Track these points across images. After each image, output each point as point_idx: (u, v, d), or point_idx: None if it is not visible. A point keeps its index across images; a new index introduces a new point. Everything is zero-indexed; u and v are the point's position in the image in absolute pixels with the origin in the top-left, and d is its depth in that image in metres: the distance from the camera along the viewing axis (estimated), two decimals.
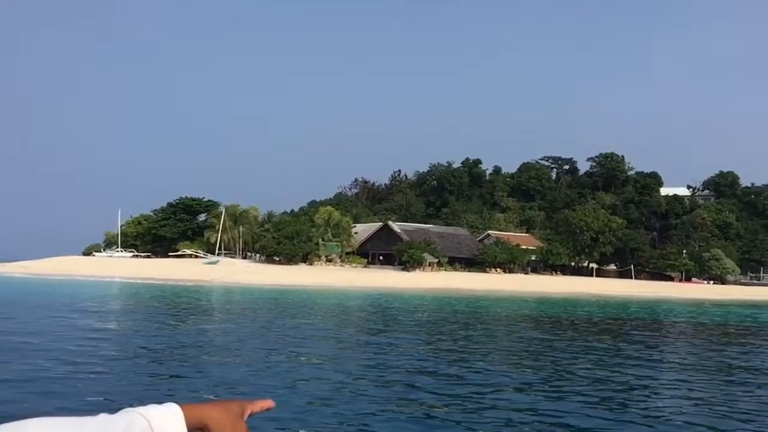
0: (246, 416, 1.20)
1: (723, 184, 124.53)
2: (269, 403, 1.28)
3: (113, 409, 1.07)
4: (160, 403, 1.11)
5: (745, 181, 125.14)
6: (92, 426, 1.02)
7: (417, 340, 21.93)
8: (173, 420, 1.08)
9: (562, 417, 10.96)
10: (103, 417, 1.05)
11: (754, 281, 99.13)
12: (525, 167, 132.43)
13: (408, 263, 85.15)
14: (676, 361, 19.38)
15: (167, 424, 1.07)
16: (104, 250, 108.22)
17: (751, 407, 12.40)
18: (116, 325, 24.43)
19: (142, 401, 1.12)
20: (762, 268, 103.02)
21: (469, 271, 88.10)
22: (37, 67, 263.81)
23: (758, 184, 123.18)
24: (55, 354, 15.60)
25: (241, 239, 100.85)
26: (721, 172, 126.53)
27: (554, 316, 36.03)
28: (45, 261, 78.85)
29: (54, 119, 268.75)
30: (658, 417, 11.42)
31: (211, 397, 11.15)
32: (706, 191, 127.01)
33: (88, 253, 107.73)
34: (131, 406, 1.09)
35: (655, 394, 13.83)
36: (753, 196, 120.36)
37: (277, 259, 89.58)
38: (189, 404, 1.13)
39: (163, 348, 17.83)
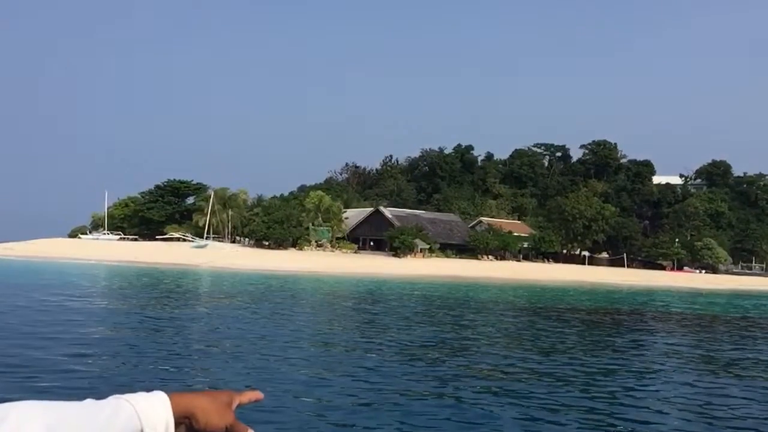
0: (234, 407, 1.19)
1: (715, 173, 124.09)
2: (258, 394, 1.27)
3: (99, 396, 1.06)
4: (147, 391, 1.11)
5: (737, 171, 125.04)
6: (78, 411, 1.01)
7: (407, 328, 21.00)
8: (160, 408, 1.08)
9: (555, 405, 10.62)
10: (89, 402, 1.05)
11: (746, 270, 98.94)
12: (517, 154, 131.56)
13: (399, 249, 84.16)
14: (673, 351, 18.52)
15: (154, 412, 1.07)
16: (90, 232, 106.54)
17: (745, 398, 11.98)
18: (100, 309, 23.46)
19: (127, 389, 1.12)
20: (754, 258, 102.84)
21: (460, 257, 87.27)
22: (20, 46, 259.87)
23: (750, 173, 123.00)
24: (38, 338, 15.10)
25: (230, 223, 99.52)
26: (714, 161, 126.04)
27: (549, 305, 35.24)
28: (30, 243, 77.48)
29: (39, 99, 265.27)
30: (650, 406, 10.99)
31: (199, 386, 10.72)
32: (699, 180, 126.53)
33: (73, 235, 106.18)
34: (117, 392, 1.08)
35: (649, 384, 13.24)
36: (745, 186, 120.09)
37: (267, 243, 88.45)
38: (177, 393, 1.13)
39: (148, 335, 17.14)
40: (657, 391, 12.36)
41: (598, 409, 10.48)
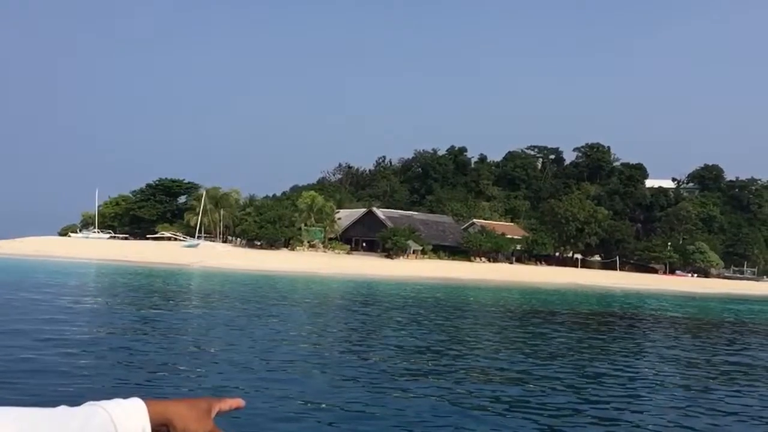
0: (213, 414, 1.16)
1: (707, 178, 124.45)
2: (239, 401, 1.23)
3: (75, 403, 1.04)
4: (125, 397, 1.08)
5: (729, 175, 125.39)
6: (51, 418, 0.99)
7: (406, 331, 20.58)
8: (136, 415, 1.05)
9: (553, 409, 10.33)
10: (62, 409, 1.02)
11: (737, 275, 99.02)
12: (510, 156, 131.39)
13: (392, 250, 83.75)
14: (677, 357, 18.20)
15: (129, 419, 1.04)
16: (81, 230, 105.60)
17: (742, 403, 11.78)
18: (88, 309, 22.87)
19: (107, 395, 1.10)
20: (745, 262, 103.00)
21: (453, 259, 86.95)
22: (15, 46, 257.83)
23: (742, 178, 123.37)
24: (24, 338, 14.65)
25: (221, 222, 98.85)
26: (706, 166, 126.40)
27: (544, 308, 34.95)
28: (19, 241, 76.69)
29: (30, 98, 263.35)
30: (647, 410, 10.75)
31: (197, 391, 10.42)
32: (691, 184, 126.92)
33: (64, 233, 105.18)
34: (106, 396, 1.06)
35: (660, 392, 12.81)
36: (737, 190, 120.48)
37: (259, 243, 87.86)
38: (154, 400, 1.10)
39: (136, 336, 16.59)
40: (671, 398, 12.00)
41: (613, 419, 10.11)
